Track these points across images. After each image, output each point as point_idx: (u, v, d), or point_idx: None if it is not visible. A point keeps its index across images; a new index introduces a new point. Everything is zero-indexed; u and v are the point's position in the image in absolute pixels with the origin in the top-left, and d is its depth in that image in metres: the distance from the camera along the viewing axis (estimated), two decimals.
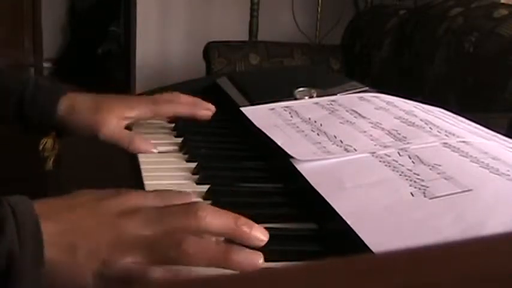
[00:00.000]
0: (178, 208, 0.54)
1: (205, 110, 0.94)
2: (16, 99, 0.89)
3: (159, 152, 0.84)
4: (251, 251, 0.52)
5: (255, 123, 0.84)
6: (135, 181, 0.76)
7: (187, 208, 0.54)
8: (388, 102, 0.88)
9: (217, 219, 0.53)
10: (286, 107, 0.90)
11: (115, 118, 0.87)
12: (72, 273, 0.51)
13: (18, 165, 1.02)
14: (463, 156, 0.66)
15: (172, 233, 0.52)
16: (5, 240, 0.48)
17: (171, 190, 0.61)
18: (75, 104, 0.89)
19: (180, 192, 0.60)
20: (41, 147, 0.90)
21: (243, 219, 0.54)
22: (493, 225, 0.52)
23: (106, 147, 0.89)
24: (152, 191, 0.59)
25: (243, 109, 0.91)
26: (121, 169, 0.94)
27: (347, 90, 0.98)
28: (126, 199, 0.55)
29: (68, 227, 0.52)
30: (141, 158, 0.81)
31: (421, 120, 0.79)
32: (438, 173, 0.61)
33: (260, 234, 0.54)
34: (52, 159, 0.91)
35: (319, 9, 2.88)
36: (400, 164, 0.65)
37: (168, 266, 0.51)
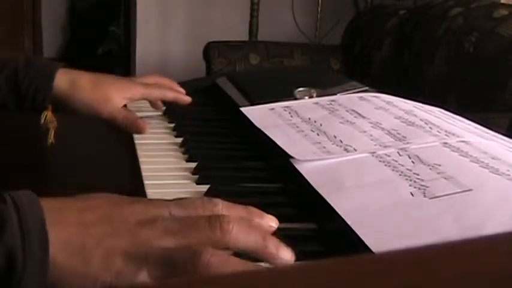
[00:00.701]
0: (202, 219, 0.50)
1: (181, 93, 1.01)
2: (7, 79, 0.90)
3: (159, 152, 0.85)
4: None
5: (255, 123, 0.84)
6: (135, 181, 0.76)
7: (212, 220, 0.50)
8: (388, 102, 0.88)
9: (244, 234, 0.50)
10: (286, 107, 0.90)
11: (117, 96, 0.91)
12: (80, 281, 0.47)
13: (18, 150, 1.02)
14: (463, 156, 0.66)
15: (193, 245, 0.48)
16: (5, 240, 0.45)
17: (192, 198, 0.56)
18: (75, 80, 0.91)
19: (203, 199, 0.55)
20: (42, 120, 0.91)
21: (271, 239, 0.51)
22: (492, 225, 0.52)
23: (100, 150, 0.90)
24: (173, 200, 0.54)
25: (243, 109, 0.91)
26: (121, 169, 0.94)
27: (347, 90, 0.98)
28: (145, 207, 0.51)
29: (79, 231, 0.48)
30: (141, 158, 0.81)
31: (421, 120, 0.79)
32: (438, 173, 0.61)
33: (286, 255, 0.51)
34: (53, 132, 0.92)
35: (319, 9, 2.88)
36: (400, 164, 0.65)
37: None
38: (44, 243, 0.46)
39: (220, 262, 0.47)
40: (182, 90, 1.02)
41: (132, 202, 0.52)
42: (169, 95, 0.99)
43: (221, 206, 0.53)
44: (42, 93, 0.90)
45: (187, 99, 1.00)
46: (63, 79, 0.91)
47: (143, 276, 0.47)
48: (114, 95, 0.91)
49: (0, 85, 0.90)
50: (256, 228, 0.51)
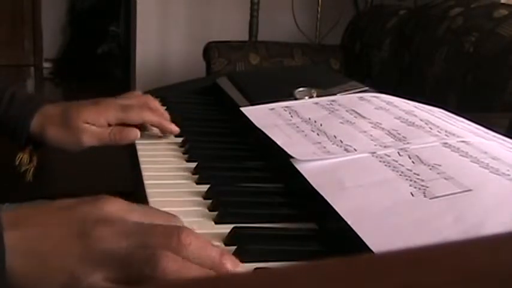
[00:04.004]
0: (160, 227, 0.50)
1: (171, 124, 0.91)
2: None
3: (159, 152, 0.85)
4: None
5: (255, 123, 0.84)
6: (136, 181, 0.76)
7: (171, 229, 0.49)
8: (388, 102, 0.88)
9: (201, 249, 0.49)
10: (286, 107, 0.90)
11: (87, 125, 0.86)
12: (38, 284, 0.47)
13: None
14: (463, 156, 0.66)
15: (149, 248, 0.47)
16: None
17: (155, 208, 0.57)
18: (46, 118, 0.87)
19: (165, 212, 0.55)
20: (17, 162, 0.90)
21: (227, 256, 0.50)
22: (493, 225, 0.52)
23: (101, 150, 0.89)
24: (136, 205, 0.54)
25: (243, 109, 0.91)
26: (121, 169, 0.94)
27: (347, 90, 0.98)
28: (103, 207, 0.50)
29: (34, 235, 0.48)
30: (141, 158, 0.81)
31: (421, 120, 0.79)
32: (438, 173, 0.61)
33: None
34: (31, 171, 0.90)
35: (319, 9, 2.88)
36: (400, 164, 0.65)
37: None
38: (0, 254, 0.46)
39: (179, 268, 0.46)
40: (166, 114, 0.92)
41: (89, 202, 0.51)
42: (153, 119, 0.89)
43: (181, 223, 0.53)
44: (18, 134, 0.88)
45: (173, 129, 0.90)
46: (36, 120, 0.87)
47: (97, 278, 0.47)
48: (84, 126, 0.85)
49: None
50: (213, 246, 0.50)
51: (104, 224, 0.49)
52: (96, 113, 0.87)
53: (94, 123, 0.86)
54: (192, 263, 0.48)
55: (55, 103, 0.90)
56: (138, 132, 0.86)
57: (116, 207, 0.51)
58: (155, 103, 0.93)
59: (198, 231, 0.55)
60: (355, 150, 0.70)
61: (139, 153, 0.83)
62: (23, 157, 0.90)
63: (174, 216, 0.54)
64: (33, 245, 0.48)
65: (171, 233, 0.48)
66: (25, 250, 0.48)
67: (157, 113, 0.90)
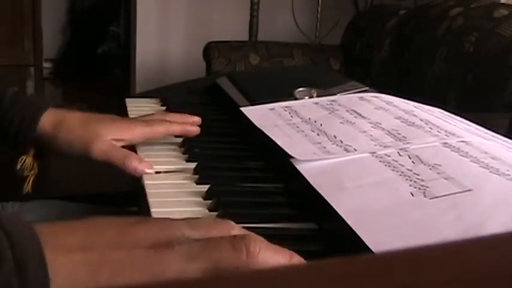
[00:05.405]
0: (225, 241, 0.46)
1: (193, 124, 0.88)
2: None
3: (159, 152, 0.84)
4: None
5: (255, 123, 0.84)
6: (135, 181, 0.76)
7: (236, 242, 0.45)
8: (388, 102, 0.88)
9: (271, 256, 0.46)
10: (286, 107, 0.90)
11: (109, 136, 0.80)
12: None
13: None
14: (463, 156, 0.66)
15: (224, 269, 0.44)
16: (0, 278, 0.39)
17: (203, 218, 0.51)
18: (63, 120, 0.81)
19: (214, 219, 0.51)
20: (18, 166, 0.83)
21: (297, 257, 0.48)
22: (492, 225, 0.52)
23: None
24: (182, 220, 0.49)
25: (243, 109, 0.91)
26: (121, 169, 0.93)
27: (347, 90, 0.98)
28: (157, 228, 0.46)
29: (86, 258, 0.42)
30: None
31: (421, 120, 0.79)
32: (438, 173, 0.61)
33: None
34: (31, 180, 0.84)
35: (319, 9, 2.88)
36: (400, 164, 0.65)
37: None
38: (43, 280, 0.40)
39: None
40: (195, 118, 0.89)
41: (139, 222, 0.46)
42: (176, 129, 0.86)
43: (235, 226, 0.49)
44: (24, 133, 0.81)
45: (196, 130, 0.87)
46: (48, 121, 0.81)
47: None
48: (104, 135, 0.79)
49: None
50: (282, 249, 0.48)
51: (166, 246, 0.44)
52: (120, 127, 0.82)
53: (122, 138, 0.80)
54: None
55: (65, 108, 0.84)
56: (151, 170, 0.78)
57: (166, 227, 0.46)
58: (173, 115, 0.90)
59: None
60: (355, 150, 0.70)
61: (139, 153, 0.83)
62: (26, 160, 0.83)
63: (226, 222, 0.50)
64: (84, 269, 0.42)
65: (238, 246, 0.45)
66: (75, 275, 0.42)
67: (181, 124, 0.87)
